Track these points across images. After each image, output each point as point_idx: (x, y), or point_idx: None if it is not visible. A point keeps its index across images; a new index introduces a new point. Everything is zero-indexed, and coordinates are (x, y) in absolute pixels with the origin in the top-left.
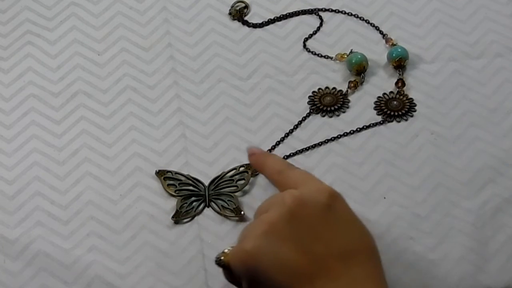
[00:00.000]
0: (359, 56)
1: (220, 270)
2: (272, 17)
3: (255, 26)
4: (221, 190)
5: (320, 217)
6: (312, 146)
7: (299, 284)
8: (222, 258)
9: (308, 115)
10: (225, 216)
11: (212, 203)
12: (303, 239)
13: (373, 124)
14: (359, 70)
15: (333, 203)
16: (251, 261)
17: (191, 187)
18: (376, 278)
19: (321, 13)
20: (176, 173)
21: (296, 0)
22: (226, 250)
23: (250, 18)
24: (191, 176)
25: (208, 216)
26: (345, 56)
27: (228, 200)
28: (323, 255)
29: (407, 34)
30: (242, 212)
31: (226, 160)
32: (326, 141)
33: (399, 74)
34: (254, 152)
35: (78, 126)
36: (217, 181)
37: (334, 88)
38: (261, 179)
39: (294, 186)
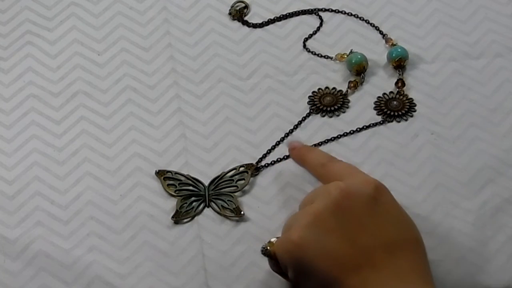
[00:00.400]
0: (359, 56)
1: (219, 270)
2: (272, 17)
3: (255, 26)
4: (221, 190)
5: (366, 208)
6: (312, 146)
7: (345, 274)
8: (268, 248)
9: (308, 115)
10: (225, 216)
11: (212, 203)
12: (349, 230)
13: (373, 124)
14: (359, 70)
15: (379, 195)
16: (297, 252)
17: (191, 187)
18: (420, 270)
19: (321, 13)
20: (176, 173)
21: (296, 0)
22: (272, 240)
23: (250, 18)
24: (191, 176)
25: (208, 216)
26: (345, 56)
27: (228, 200)
28: (369, 246)
29: (407, 34)
30: (242, 212)
31: (226, 160)
32: (326, 141)
33: (399, 74)
34: (295, 146)
35: (78, 126)
36: (217, 181)
37: (334, 88)
38: (261, 179)
39: (338, 178)
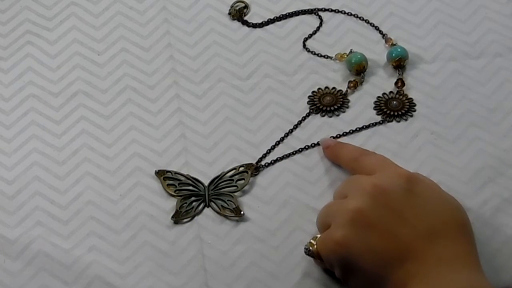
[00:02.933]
0: (359, 56)
1: (219, 270)
2: (272, 17)
3: (255, 26)
4: (221, 190)
5: (403, 201)
6: (312, 145)
7: (389, 269)
8: (311, 248)
9: (308, 115)
10: (225, 216)
11: (212, 203)
12: (389, 225)
13: (372, 124)
14: (358, 70)
15: (414, 186)
16: (341, 251)
17: (191, 187)
18: (466, 257)
19: (320, 13)
20: (176, 173)
21: (296, 0)
22: (312, 241)
23: (250, 18)
24: (191, 176)
25: (208, 216)
26: (345, 56)
27: (228, 200)
28: (410, 239)
29: (407, 34)
30: (242, 212)
31: (226, 160)
32: None
33: (399, 74)
34: (328, 144)
35: (78, 126)
36: (217, 181)
37: (334, 88)
38: (261, 179)
39: (371, 172)
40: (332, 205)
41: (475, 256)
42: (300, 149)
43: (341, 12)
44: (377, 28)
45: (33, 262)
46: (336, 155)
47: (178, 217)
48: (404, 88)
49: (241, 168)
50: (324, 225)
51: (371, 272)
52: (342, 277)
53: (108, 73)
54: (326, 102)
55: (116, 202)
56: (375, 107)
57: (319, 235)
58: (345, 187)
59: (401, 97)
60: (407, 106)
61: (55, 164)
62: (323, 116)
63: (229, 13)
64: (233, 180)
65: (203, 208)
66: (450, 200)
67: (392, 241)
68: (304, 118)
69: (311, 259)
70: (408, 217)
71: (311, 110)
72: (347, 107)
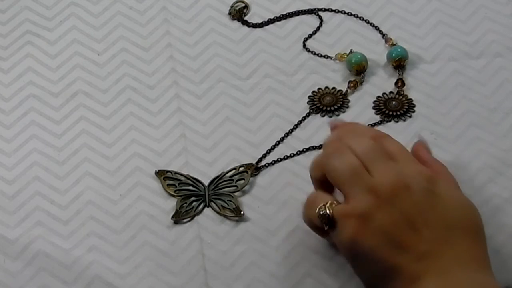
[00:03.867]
0: (359, 56)
1: (219, 270)
2: (272, 17)
3: (255, 26)
4: (221, 190)
5: (424, 202)
6: (312, 146)
7: (406, 261)
8: (328, 213)
9: (308, 115)
10: (225, 216)
11: (212, 203)
12: (411, 220)
13: (372, 124)
14: (358, 70)
15: (434, 187)
16: (361, 228)
17: (191, 187)
18: (481, 258)
19: (321, 13)
20: (176, 173)
21: (296, 0)
22: (328, 205)
23: (250, 18)
24: (191, 176)
25: (208, 216)
26: (345, 56)
27: (228, 200)
28: (431, 238)
29: (407, 34)
30: (242, 212)
31: (226, 160)
32: None
33: (399, 74)
34: (336, 125)
35: (78, 126)
36: (217, 181)
37: (334, 88)
38: (261, 179)
39: (391, 157)
40: (350, 170)
41: (488, 260)
42: (299, 152)
43: (341, 12)
44: (377, 28)
45: (33, 262)
46: (351, 129)
47: (178, 217)
48: (404, 88)
49: (241, 168)
50: (336, 183)
51: (384, 259)
52: (352, 261)
53: (108, 73)
54: (326, 102)
55: (116, 202)
56: (374, 107)
57: (334, 203)
58: (364, 151)
59: (400, 97)
60: (406, 106)
61: (55, 164)
62: (323, 116)
63: (229, 13)
64: (233, 180)
65: (203, 208)
66: (468, 203)
67: (413, 234)
68: (304, 118)
69: (311, 259)
70: (429, 219)
71: (311, 110)
72: (347, 107)
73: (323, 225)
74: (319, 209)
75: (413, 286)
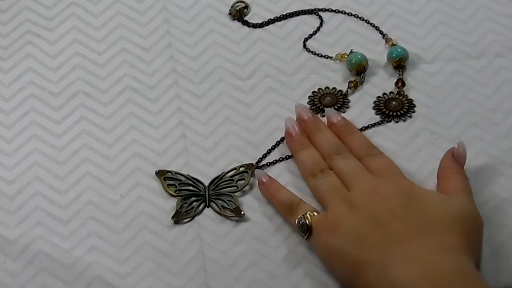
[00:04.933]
0: (359, 56)
1: (219, 270)
2: (272, 17)
3: (255, 26)
4: (221, 190)
5: (398, 201)
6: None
7: (375, 253)
8: (307, 222)
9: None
10: (225, 216)
11: (212, 203)
12: (379, 217)
13: (373, 124)
14: (359, 70)
15: (413, 193)
16: (333, 233)
17: (191, 187)
18: (457, 244)
19: (321, 13)
20: (176, 173)
21: (296, 0)
22: (307, 215)
23: (250, 18)
24: (191, 176)
25: (208, 216)
26: (345, 56)
27: (228, 200)
28: (399, 230)
29: (407, 34)
30: (242, 212)
31: (226, 160)
32: None
33: (399, 74)
34: (336, 120)
35: (78, 126)
36: (217, 181)
37: (334, 88)
38: None
39: (375, 173)
40: (331, 188)
41: (469, 249)
42: None
43: (341, 12)
44: (377, 28)
45: (33, 262)
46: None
47: (178, 217)
48: (405, 88)
49: (242, 168)
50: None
51: (353, 255)
52: (327, 262)
53: (108, 73)
54: (326, 102)
55: (116, 202)
56: (374, 107)
57: (314, 213)
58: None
59: (400, 97)
60: (407, 107)
61: (55, 164)
62: (323, 116)
63: (230, 13)
64: (233, 180)
65: (203, 208)
66: (454, 201)
67: (378, 228)
68: None
69: (311, 259)
70: (399, 215)
71: (312, 110)
72: (347, 107)
73: (301, 234)
74: (298, 219)
75: (383, 274)
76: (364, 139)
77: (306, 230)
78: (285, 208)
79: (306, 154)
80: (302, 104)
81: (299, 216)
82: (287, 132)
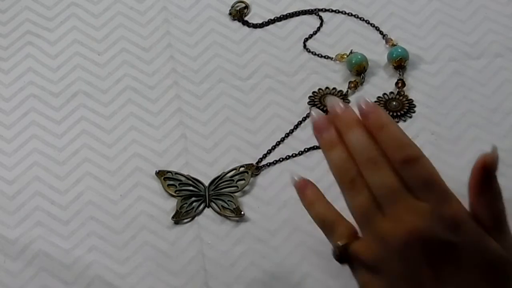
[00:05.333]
0: (359, 57)
1: (219, 270)
2: (272, 17)
3: (255, 26)
4: (221, 190)
5: (440, 257)
6: (312, 146)
7: None
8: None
9: (308, 115)
10: (225, 216)
11: (212, 203)
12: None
13: None
14: (359, 70)
15: (455, 238)
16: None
17: (191, 188)
18: None
19: (321, 14)
20: (176, 173)
21: (296, 0)
22: (339, 242)
23: (250, 18)
24: (191, 177)
25: (208, 217)
26: (345, 57)
27: (228, 201)
28: None
29: (407, 34)
30: (242, 212)
31: (226, 160)
32: None
33: (399, 75)
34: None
35: (78, 126)
36: (217, 181)
37: (334, 88)
38: (261, 179)
39: (413, 188)
40: (361, 212)
41: None
42: (299, 152)
43: (341, 12)
44: (377, 29)
45: (33, 262)
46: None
47: (179, 218)
48: (405, 88)
49: (242, 169)
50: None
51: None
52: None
53: (108, 74)
54: (326, 103)
55: (116, 202)
56: None
57: (356, 236)
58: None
59: (401, 97)
60: (407, 107)
61: (56, 164)
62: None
63: (230, 14)
64: (233, 180)
65: (204, 208)
66: (497, 253)
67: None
68: (304, 119)
69: (311, 259)
70: (441, 275)
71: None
72: None
73: (335, 256)
74: (333, 250)
75: None
76: (398, 134)
77: (342, 257)
78: (319, 226)
79: (336, 156)
80: (334, 96)
81: (333, 245)
82: (317, 126)
